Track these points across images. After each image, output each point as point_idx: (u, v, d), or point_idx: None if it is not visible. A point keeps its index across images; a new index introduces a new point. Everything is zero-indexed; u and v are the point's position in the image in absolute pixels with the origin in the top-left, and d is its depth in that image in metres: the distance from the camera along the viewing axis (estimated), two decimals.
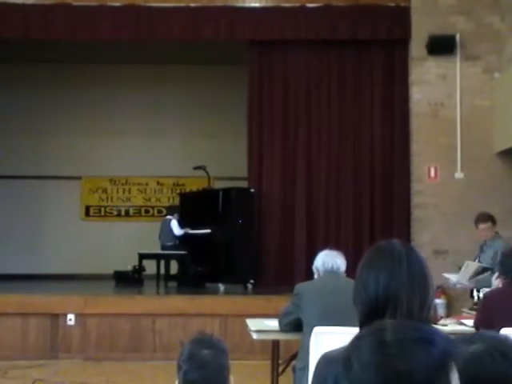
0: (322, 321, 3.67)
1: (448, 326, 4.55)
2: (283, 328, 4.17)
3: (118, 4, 8.98)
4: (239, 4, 9.08)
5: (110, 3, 8.97)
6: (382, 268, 1.68)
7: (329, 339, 3.35)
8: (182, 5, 8.97)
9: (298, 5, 9.02)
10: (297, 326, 4.02)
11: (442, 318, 5.20)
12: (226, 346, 2.20)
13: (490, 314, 3.82)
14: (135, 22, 8.98)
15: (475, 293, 5.72)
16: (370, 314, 1.66)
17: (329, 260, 4.12)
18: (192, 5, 8.98)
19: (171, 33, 9.05)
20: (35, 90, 12.05)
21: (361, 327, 1.73)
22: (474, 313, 5.38)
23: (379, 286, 1.66)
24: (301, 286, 4.10)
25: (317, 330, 3.58)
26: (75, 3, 8.96)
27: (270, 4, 9.08)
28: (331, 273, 4.08)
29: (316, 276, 4.20)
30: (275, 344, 4.57)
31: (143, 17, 8.97)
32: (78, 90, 12.02)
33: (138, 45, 10.43)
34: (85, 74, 11.95)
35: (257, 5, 9.09)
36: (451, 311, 7.63)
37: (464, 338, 1.45)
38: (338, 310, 3.60)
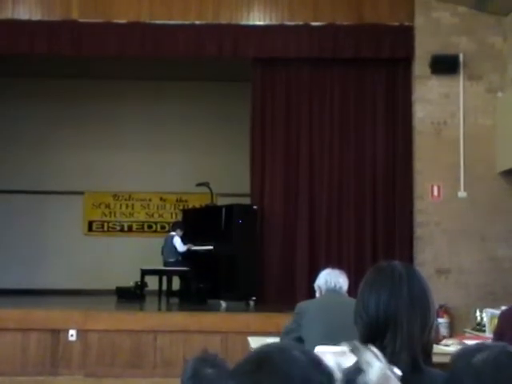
0: (324, 340, 3.64)
1: (450, 346, 4.52)
2: None
3: (123, 21, 9.05)
4: (243, 22, 9.13)
5: (115, 20, 9.04)
6: (383, 289, 1.68)
7: (330, 359, 3.33)
8: (187, 22, 9.04)
9: (301, 23, 9.07)
10: None
11: (444, 337, 5.17)
12: (230, 367, 2.19)
13: (502, 332, 3.82)
14: (140, 38, 9.04)
15: (478, 313, 5.69)
16: (370, 334, 1.66)
17: (331, 279, 4.10)
18: (196, 22, 9.05)
19: (176, 49, 9.10)
20: (37, 105, 12.08)
21: None
22: (476, 333, 5.35)
23: (379, 307, 1.65)
24: (302, 305, 4.08)
25: (318, 349, 3.56)
26: (81, 20, 9.03)
27: (273, 22, 9.14)
28: (333, 292, 4.06)
29: (318, 294, 4.18)
30: None
31: (148, 34, 9.03)
32: (81, 105, 12.05)
33: (141, 60, 10.48)
34: (88, 89, 11.99)
35: (261, 23, 9.15)
36: (454, 331, 7.60)
37: (466, 348, 1.48)
38: (339, 330, 3.57)
